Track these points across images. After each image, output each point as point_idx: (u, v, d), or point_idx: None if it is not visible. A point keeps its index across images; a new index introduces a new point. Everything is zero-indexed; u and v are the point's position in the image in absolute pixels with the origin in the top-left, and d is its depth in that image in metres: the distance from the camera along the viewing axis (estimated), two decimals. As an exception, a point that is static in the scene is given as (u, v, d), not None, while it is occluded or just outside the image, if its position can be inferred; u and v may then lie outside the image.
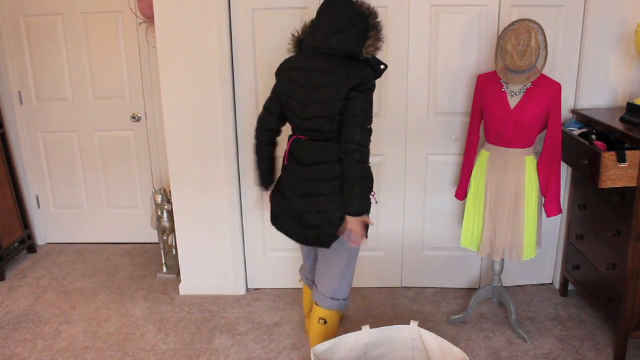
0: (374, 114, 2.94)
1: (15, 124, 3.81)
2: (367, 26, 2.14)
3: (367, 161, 2.12)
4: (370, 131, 2.13)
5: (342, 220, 2.19)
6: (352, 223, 2.17)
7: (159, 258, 3.78)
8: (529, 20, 2.39)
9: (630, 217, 2.40)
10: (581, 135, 2.67)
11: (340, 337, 2.28)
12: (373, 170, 3.02)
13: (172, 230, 3.45)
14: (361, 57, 2.14)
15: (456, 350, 2.14)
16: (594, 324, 2.90)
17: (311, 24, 2.23)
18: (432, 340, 2.25)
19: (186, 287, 3.29)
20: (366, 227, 2.27)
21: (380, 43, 2.18)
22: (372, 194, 2.30)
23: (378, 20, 2.17)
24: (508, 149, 2.54)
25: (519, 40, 2.37)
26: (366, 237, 2.34)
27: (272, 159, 2.42)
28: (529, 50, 2.36)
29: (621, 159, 2.34)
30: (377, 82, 2.89)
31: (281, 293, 3.29)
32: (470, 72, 2.91)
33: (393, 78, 2.93)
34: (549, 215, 2.61)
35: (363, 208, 2.16)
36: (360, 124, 2.09)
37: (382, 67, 2.24)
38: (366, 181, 2.14)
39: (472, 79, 2.91)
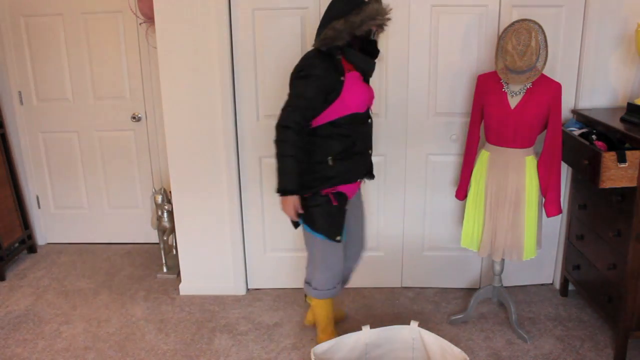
0: (374, 113, 2.98)
1: (15, 124, 3.81)
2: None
3: (284, 140, 2.18)
4: (292, 112, 2.18)
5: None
6: (281, 201, 2.29)
7: (159, 258, 3.78)
8: (529, 20, 2.39)
9: (630, 217, 2.40)
10: (581, 135, 2.67)
11: (341, 337, 2.28)
12: (374, 170, 3.05)
13: (172, 230, 3.45)
14: (322, 49, 2.21)
15: (456, 350, 2.14)
16: (594, 324, 2.90)
17: None
18: (432, 340, 2.25)
19: (186, 287, 3.29)
20: (340, 214, 2.35)
21: (332, 33, 2.14)
22: (325, 190, 2.32)
23: (356, 12, 2.15)
24: (508, 149, 2.54)
25: (519, 40, 2.37)
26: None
27: None
28: (529, 50, 2.36)
29: (621, 159, 2.34)
30: (377, 81, 2.92)
31: (281, 293, 3.29)
32: (470, 72, 2.91)
33: (393, 78, 2.93)
34: (549, 215, 2.61)
35: (282, 187, 2.23)
36: (284, 106, 2.21)
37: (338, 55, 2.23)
38: (286, 160, 2.19)
39: (472, 79, 2.91)
